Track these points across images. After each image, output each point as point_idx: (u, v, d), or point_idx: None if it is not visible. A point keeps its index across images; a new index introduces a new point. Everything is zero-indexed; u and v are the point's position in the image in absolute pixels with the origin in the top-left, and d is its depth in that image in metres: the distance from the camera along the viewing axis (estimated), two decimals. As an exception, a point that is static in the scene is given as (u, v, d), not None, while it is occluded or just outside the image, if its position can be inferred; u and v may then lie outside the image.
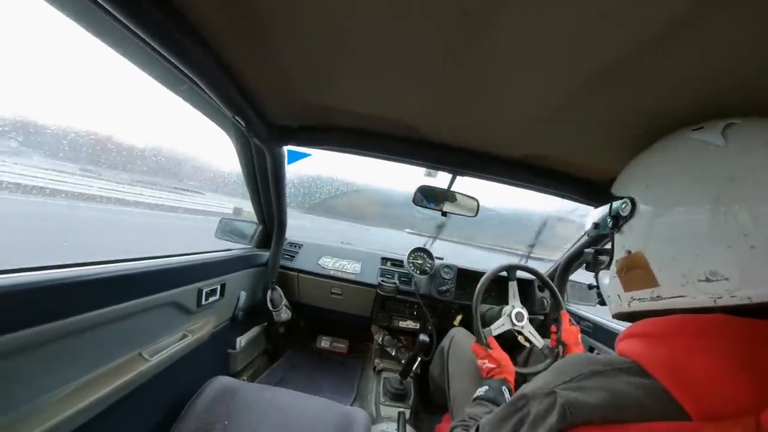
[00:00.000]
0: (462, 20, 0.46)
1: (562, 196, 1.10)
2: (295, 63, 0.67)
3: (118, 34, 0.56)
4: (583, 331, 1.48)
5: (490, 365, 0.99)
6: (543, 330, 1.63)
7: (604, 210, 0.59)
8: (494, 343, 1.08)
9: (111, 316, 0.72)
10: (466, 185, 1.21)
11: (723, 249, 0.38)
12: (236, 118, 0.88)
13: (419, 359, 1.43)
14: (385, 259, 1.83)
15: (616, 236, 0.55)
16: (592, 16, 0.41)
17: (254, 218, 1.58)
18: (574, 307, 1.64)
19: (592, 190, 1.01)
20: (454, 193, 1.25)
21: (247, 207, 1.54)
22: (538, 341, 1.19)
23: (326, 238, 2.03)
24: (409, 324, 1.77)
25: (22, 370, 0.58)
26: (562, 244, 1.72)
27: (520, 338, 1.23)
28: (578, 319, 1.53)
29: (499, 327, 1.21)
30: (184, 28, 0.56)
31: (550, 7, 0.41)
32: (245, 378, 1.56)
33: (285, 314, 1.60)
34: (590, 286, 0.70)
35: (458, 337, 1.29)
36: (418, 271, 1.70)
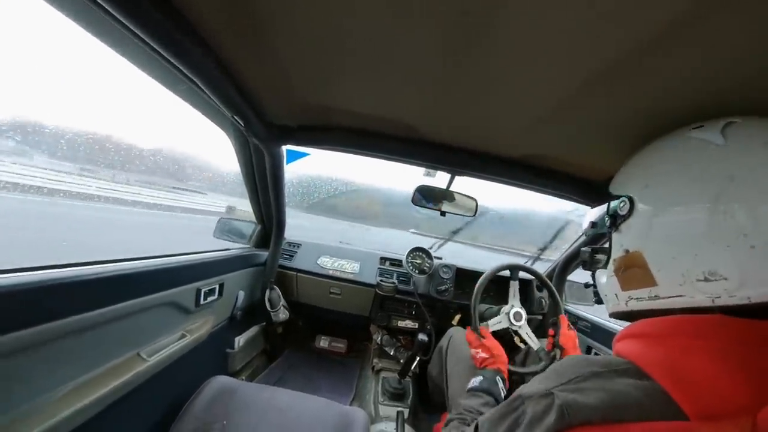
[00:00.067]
0: (462, 20, 0.46)
1: (561, 197, 1.10)
2: (295, 63, 0.67)
3: (118, 34, 0.56)
4: (581, 331, 1.48)
5: (483, 354, 0.99)
6: (541, 331, 1.63)
7: (601, 209, 0.59)
8: (487, 333, 1.08)
9: (109, 316, 0.72)
10: (467, 186, 1.21)
11: (722, 249, 0.38)
12: (235, 117, 0.87)
13: (418, 359, 1.43)
14: (383, 259, 1.83)
15: (614, 235, 0.55)
16: (592, 16, 0.41)
17: (251, 217, 1.58)
18: (572, 307, 1.64)
19: (592, 190, 1.01)
20: (452, 192, 1.25)
21: (246, 206, 1.54)
22: (534, 343, 1.19)
23: (325, 238, 2.03)
24: (408, 324, 1.77)
25: (20, 370, 0.58)
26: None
27: (516, 339, 1.23)
28: (576, 318, 1.54)
29: (496, 323, 1.21)
30: (183, 28, 0.55)
31: (550, 7, 0.41)
32: (244, 378, 1.55)
33: (283, 314, 1.60)
34: (587, 285, 0.70)
35: (457, 336, 1.29)
36: (416, 271, 1.70)
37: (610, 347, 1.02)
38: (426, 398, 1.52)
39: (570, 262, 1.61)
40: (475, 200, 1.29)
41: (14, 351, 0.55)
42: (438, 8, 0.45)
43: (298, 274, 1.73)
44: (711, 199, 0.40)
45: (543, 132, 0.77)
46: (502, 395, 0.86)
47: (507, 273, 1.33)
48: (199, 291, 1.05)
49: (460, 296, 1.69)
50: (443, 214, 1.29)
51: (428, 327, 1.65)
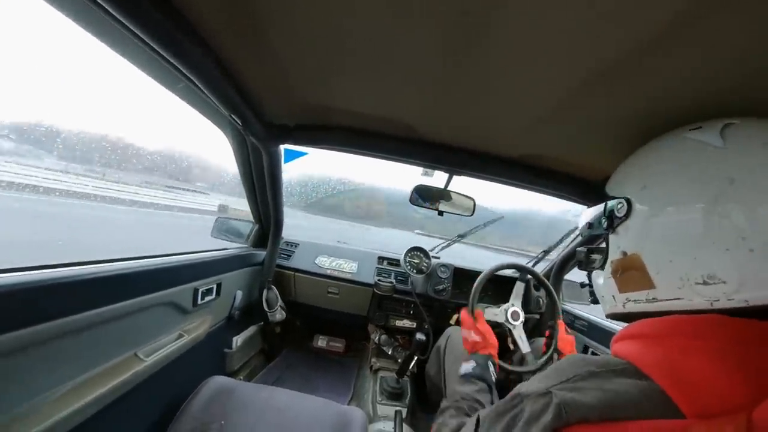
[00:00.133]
0: (462, 20, 0.46)
1: (561, 197, 1.10)
2: (294, 63, 0.67)
3: (118, 34, 0.56)
4: (578, 330, 1.48)
5: (476, 338, 0.99)
6: (538, 331, 1.64)
7: (597, 209, 0.58)
8: (481, 318, 1.07)
9: (106, 316, 0.72)
10: (471, 187, 1.21)
11: (721, 252, 0.38)
12: (233, 116, 0.87)
13: (416, 358, 1.43)
14: (381, 259, 1.83)
15: (611, 237, 0.54)
16: (592, 16, 0.41)
17: (244, 215, 1.57)
18: (569, 306, 1.65)
19: (591, 190, 1.01)
20: (450, 192, 1.25)
21: (241, 206, 1.53)
22: (525, 346, 1.19)
23: (324, 237, 2.02)
24: (406, 323, 1.77)
25: (17, 370, 0.57)
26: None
27: (508, 340, 1.23)
28: (573, 318, 1.54)
29: (492, 315, 1.21)
30: (183, 28, 0.55)
31: (549, 7, 0.41)
32: (242, 378, 1.55)
33: (279, 315, 1.60)
34: (582, 285, 0.70)
35: (454, 336, 1.29)
36: (414, 270, 1.70)
37: (607, 346, 1.03)
38: (424, 397, 1.52)
39: (567, 261, 1.62)
40: (473, 200, 1.29)
41: (11, 351, 0.55)
42: (438, 8, 0.45)
43: (296, 273, 1.73)
44: (710, 201, 0.40)
45: (542, 132, 0.77)
46: (493, 380, 0.87)
47: (512, 273, 1.32)
48: (196, 291, 1.05)
49: (458, 296, 1.69)
50: (441, 213, 1.29)
51: (426, 326, 1.65)
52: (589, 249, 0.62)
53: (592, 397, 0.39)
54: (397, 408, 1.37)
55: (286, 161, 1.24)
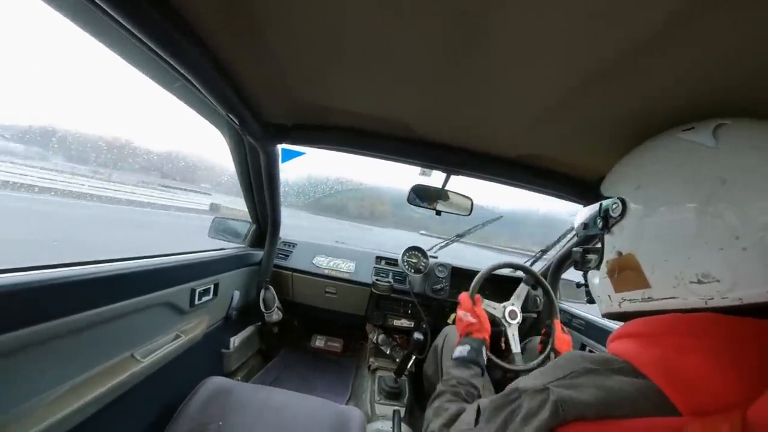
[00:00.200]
0: (460, 20, 0.46)
1: (559, 196, 1.10)
2: (292, 62, 0.67)
3: (115, 33, 0.56)
4: (575, 329, 1.49)
5: (472, 319, 0.99)
6: (534, 329, 1.65)
7: (592, 209, 0.58)
8: (480, 303, 1.08)
9: (103, 317, 0.71)
10: (465, 186, 1.21)
11: (715, 251, 0.39)
12: (230, 116, 0.87)
13: (414, 357, 1.43)
14: (379, 258, 1.83)
15: (606, 237, 0.55)
16: (590, 16, 0.41)
17: (237, 215, 1.57)
18: (566, 305, 1.66)
19: (588, 190, 1.01)
20: (447, 192, 1.25)
21: (237, 205, 1.53)
22: (516, 346, 1.18)
23: (324, 237, 2.02)
24: (404, 322, 1.77)
25: (13, 372, 0.57)
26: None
27: (501, 340, 1.23)
28: (570, 316, 1.55)
29: (491, 308, 1.20)
30: (181, 28, 0.55)
31: (548, 7, 0.41)
32: (239, 378, 1.55)
33: (276, 315, 1.59)
34: (578, 285, 0.70)
35: (452, 335, 1.29)
36: (412, 270, 1.71)
37: (604, 344, 1.03)
38: (422, 397, 1.52)
39: (564, 260, 1.62)
40: (471, 199, 1.29)
41: (6, 352, 0.55)
42: (436, 8, 0.45)
43: (294, 273, 1.73)
44: (702, 201, 0.40)
45: (540, 132, 0.77)
46: (485, 363, 0.89)
47: (511, 273, 1.32)
48: (193, 291, 1.05)
49: (455, 295, 1.69)
50: (438, 213, 1.30)
51: (424, 326, 1.65)
52: (584, 249, 0.62)
53: (589, 395, 0.39)
54: (395, 407, 1.38)
55: (283, 161, 1.23)
